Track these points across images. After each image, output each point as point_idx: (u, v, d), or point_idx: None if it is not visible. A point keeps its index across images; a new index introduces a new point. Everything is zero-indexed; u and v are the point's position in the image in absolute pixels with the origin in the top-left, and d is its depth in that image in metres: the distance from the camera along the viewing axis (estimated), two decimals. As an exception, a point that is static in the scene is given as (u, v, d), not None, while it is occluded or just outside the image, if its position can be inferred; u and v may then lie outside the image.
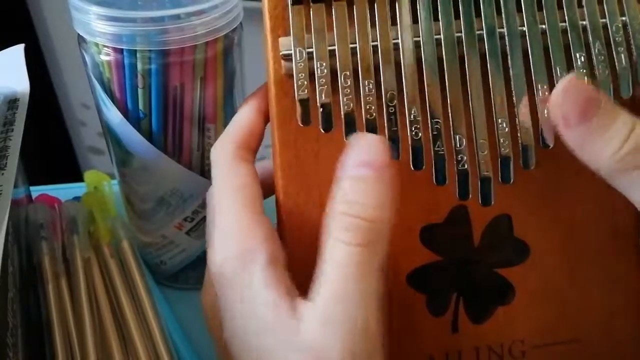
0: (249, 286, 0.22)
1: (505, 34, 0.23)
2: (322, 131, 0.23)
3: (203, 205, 0.36)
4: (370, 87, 0.22)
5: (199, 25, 0.30)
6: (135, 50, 0.30)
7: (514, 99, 0.23)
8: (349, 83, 0.22)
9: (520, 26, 0.23)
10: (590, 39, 0.23)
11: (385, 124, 0.22)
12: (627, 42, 0.23)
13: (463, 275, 0.27)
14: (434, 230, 0.26)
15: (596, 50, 0.23)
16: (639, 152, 0.21)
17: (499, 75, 0.23)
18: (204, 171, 0.35)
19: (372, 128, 0.22)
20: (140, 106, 0.32)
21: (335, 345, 0.20)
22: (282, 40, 0.23)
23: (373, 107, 0.22)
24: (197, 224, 0.36)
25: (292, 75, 0.23)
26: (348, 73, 0.22)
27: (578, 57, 0.23)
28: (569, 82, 0.22)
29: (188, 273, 0.40)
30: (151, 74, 0.31)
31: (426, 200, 0.25)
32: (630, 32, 0.23)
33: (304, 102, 0.22)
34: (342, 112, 0.22)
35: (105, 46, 0.31)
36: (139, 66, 0.31)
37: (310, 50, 0.23)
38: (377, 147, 0.22)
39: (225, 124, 0.34)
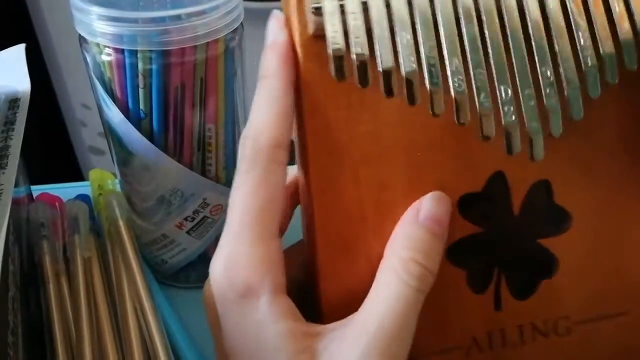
0: (253, 318, 0.22)
1: None
2: (359, 86, 0.21)
3: (203, 205, 0.36)
4: (408, 38, 0.21)
5: (199, 26, 0.30)
6: (136, 51, 0.30)
7: (556, 47, 0.21)
8: (385, 36, 0.21)
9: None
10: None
11: (426, 77, 0.21)
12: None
13: (504, 248, 0.25)
14: (472, 200, 0.24)
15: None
16: None
17: (538, 22, 0.21)
18: (205, 171, 0.35)
19: (411, 82, 0.21)
20: (141, 106, 0.32)
21: None
22: None
23: (413, 59, 0.21)
24: (198, 224, 0.37)
25: (321, 35, 0.21)
26: (385, 25, 0.21)
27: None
28: None
29: (189, 272, 0.40)
30: (152, 74, 0.31)
31: (464, 168, 0.24)
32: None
33: (338, 55, 0.21)
34: (380, 67, 0.21)
35: (106, 46, 0.31)
36: (140, 66, 0.31)
37: (342, 2, 0.21)
38: (447, 206, 0.24)
39: (225, 125, 0.35)
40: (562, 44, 0.21)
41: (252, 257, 0.22)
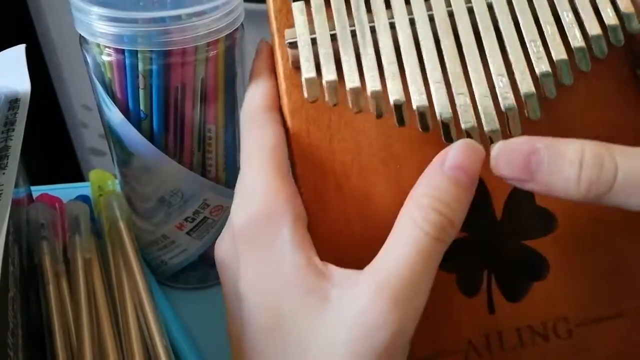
0: (273, 247, 0.23)
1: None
2: (331, 105, 0.24)
3: (204, 206, 0.36)
4: (372, 61, 0.24)
5: (200, 26, 0.30)
6: (137, 51, 0.30)
7: (509, 56, 0.24)
8: (351, 59, 0.24)
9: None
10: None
11: (390, 93, 0.23)
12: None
13: (491, 251, 0.26)
14: None
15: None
16: (599, 177, 0.20)
17: (491, 33, 0.24)
18: (205, 171, 0.35)
19: (378, 98, 0.23)
20: (142, 106, 0.32)
21: (390, 320, 0.21)
22: (287, 31, 0.25)
23: (377, 78, 0.23)
24: (198, 224, 0.37)
25: (298, 66, 0.24)
26: (350, 51, 0.24)
27: (565, 14, 0.24)
28: (500, 150, 0.22)
29: (189, 273, 0.40)
30: (152, 74, 0.31)
31: None
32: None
33: (311, 80, 0.24)
34: (347, 87, 0.24)
35: (106, 47, 0.31)
36: (140, 67, 0.31)
37: (313, 36, 0.24)
38: (478, 155, 0.22)
39: (226, 125, 0.35)
40: (515, 53, 0.24)
41: (269, 189, 0.23)
